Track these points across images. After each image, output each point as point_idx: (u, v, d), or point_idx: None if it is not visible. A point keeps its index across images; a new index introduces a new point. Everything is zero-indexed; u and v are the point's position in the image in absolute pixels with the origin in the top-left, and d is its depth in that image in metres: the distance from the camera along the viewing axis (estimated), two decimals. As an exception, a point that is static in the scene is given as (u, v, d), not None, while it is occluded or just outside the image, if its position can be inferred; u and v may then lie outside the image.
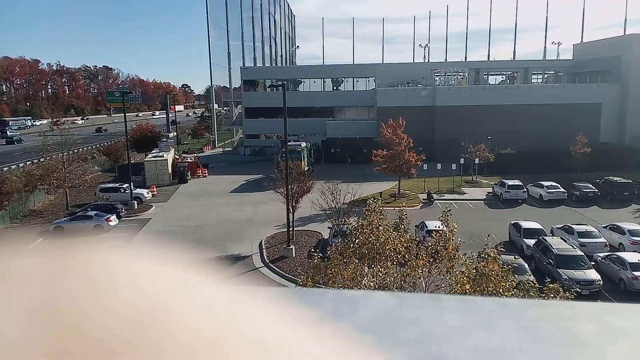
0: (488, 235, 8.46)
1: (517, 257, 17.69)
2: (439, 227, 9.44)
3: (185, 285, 0.36)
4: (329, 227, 26.16)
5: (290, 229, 26.32)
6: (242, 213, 34.10)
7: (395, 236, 8.60)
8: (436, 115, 53.06)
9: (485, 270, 7.63)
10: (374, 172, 38.69)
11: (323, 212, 26.16)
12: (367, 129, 55.93)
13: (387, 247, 8.39)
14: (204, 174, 48.96)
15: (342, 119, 62.94)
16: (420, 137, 46.27)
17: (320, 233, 28.55)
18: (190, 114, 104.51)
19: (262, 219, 32.55)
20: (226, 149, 71.03)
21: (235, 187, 43.32)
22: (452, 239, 9.01)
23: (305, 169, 43.57)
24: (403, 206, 9.72)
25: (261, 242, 27.36)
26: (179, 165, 47.30)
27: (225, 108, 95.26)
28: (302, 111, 63.43)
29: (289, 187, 25.61)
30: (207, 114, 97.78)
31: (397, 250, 8.62)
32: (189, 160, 49.71)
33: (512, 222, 27.72)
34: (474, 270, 7.77)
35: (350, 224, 9.60)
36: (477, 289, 7.58)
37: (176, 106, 75.24)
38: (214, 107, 79.23)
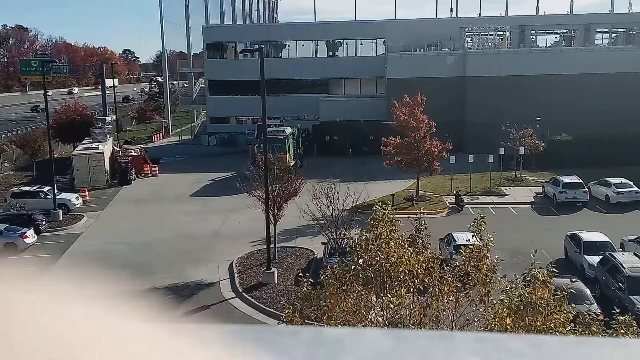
0: (535, 251, 8.53)
1: (574, 279, 17.82)
2: (471, 240, 9.51)
3: (110, 331, 0.35)
4: (323, 243, 26.23)
5: (272, 245, 26.32)
6: (205, 225, 34.06)
7: (411, 254, 8.63)
8: (467, 89, 53.33)
9: (532, 299, 7.67)
10: (384, 167, 38.83)
11: (315, 222, 26.21)
12: (374, 108, 56.07)
13: (400, 269, 8.42)
14: (154, 172, 48.87)
15: (340, 95, 63.07)
16: (446, 120, 46.42)
17: (311, 251, 28.59)
18: (145, 89, 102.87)
19: (233, 232, 32.50)
20: (184, 138, 70.95)
21: (197, 190, 43.28)
22: (488, 257, 9.07)
23: (292, 164, 43.57)
24: (422, 213, 9.75)
25: (232, 264, 27.38)
26: (119, 161, 47.19)
27: (182, 82, 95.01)
28: (287, 85, 63.42)
29: (270, 188, 25.64)
30: (156, 90, 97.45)
31: (414, 273, 8.65)
32: (133, 154, 49.60)
33: (568, 233, 27.94)
34: (517, 299, 7.82)
35: (352, 238, 9.62)
36: (521, 323, 7.62)
37: (112, 80, 74.57)
38: (167, 81, 79.07)
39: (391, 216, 9.10)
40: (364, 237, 9.01)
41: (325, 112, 57.64)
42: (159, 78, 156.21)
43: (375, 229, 9.02)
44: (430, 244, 9.58)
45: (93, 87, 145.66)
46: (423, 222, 9.46)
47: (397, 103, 38.00)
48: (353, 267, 8.61)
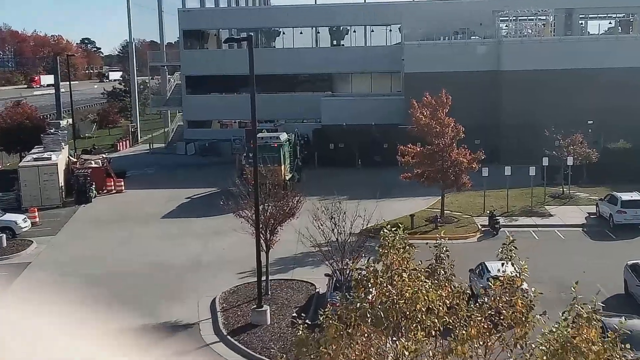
0: (576, 283, 8.62)
1: (627, 317, 17.78)
2: (501, 270, 9.59)
3: None
4: (326, 275, 26.29)
5: (263, 278, 26.37)
6: (183, 252, 34.13)
7: (430, 288, 8.69)
8: (502, 86, 53.58)
9: (575, 341, 7.71)
10: (401, 181, 38.96)
11: (317, 249, 26.27)
12: (388, 109, 56.35)
13: (417, 307, 8.49)
14: (119, 188, 49.08)
15: (347, 93, 63.37)
16: (477, 124, 46.52)
17: (312, 284, 28.65)
18: (116, 86, 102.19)
19: (216, 261, 32.54)
20: (156, 146, 71.24)
21: (172, 209, 43.41)
22: (524, 288, 9.11)
23: (288, 178, 43.73)
24: (443, 237, 9.79)
25: (214, 300, 27.43)
26: (76, 174, 47.39)
27: (154, 78, 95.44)
28: (282, 82, 63.71)
29: (261, 207, 25.76)
30: (122, 88, 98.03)
31: (435, 312, 8.71)
32: (94, 166, 49.84)
33: (629, 262, 27.95)
34: (557, 342, 7.86)
35: (357, 269, 9.71)
36: (563, 371, 7.63)
37: (68, 74, 74.93)
38: (135, 77, 79.59)
39: (404, 242, 9.14)
40: (371, 268, 9.05)
41: (328, 114, 57.91)
42: (116, 75, 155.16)
43: (386, 257, 9.05)
44: (455, 275, 9.65)
45: (26, 86, 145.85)
46: (445, 248, 9.53)
47: (417, 103, 38.21)
48: (358, 304, 8.63)
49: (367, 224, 26.24)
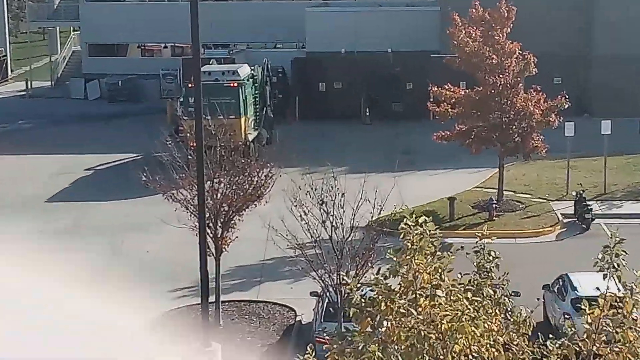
0: None
1: None
2: (601, 288, 9.52)
3: None
4: (313, 294, 26.39)
5: (212, 298, 26.43)
6: (80, 257, 34.13)
7: (477, 314, 8.55)
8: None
9: None
10: (434, 144, 38.88)
11: (298, 251, 26.27)
12: (414, 28, 56.14)
13: (455, 346, 8.39)
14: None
15: (347, 1, 63.12)
16: (555, 53, 46.49)
17: (290, 309, 28.93)
18: None
19: (135, 271, 32.52)
20: (37, 85, 70.81)
21: (63, 188, 43.62)
22: (636, 317, 9.03)
23: (252, 137, 43.89)
24: (483, 235, 9.50)
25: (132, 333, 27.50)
26: None
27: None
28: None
29: (208, 185, 25.72)
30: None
31: (485, 355, 8.63)
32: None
33: None
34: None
35: (358, 288, 9.58)
36: None
37: None
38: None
39: (433, 242, 8.83)
40: (381, 286, 8.85)
41: (318, 36, 57.64)
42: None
43: (407, 268, 8.75)
44: (518, 293, 9.59)
45: None
46: (492, 255, 9.35)
47: (460, 18, 38.07)
48: (362, 345, 8.48)
49: (380, 213, 26.25)
